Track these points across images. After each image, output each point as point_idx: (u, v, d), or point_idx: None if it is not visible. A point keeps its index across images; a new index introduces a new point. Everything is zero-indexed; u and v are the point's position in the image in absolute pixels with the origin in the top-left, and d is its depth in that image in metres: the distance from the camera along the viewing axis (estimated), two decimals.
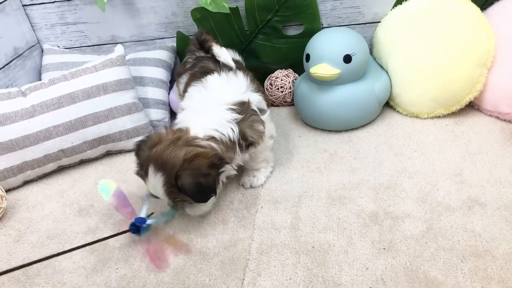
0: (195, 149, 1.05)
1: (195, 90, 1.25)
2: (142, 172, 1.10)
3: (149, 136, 1.13)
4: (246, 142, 1.16)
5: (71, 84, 1.47)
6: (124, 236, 1.16)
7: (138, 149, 1.13)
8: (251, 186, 1.30)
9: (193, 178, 1.03)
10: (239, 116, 1.14)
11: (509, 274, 0.92)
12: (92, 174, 1.49)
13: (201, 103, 1.19)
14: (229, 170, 1.14)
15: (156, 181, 1.05)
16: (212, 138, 1.09)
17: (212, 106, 1.16)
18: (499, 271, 0.93)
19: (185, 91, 1.32)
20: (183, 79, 1.38)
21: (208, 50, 1.36)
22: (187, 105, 1.23)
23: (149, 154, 1.07)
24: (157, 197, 1.11)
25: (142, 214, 1.15)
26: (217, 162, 1.07)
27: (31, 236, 1.25)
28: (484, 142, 1.33)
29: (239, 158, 1.17)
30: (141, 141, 1.14)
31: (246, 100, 1.18)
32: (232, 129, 1.12)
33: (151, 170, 1.05)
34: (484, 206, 1.10)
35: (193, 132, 1.09)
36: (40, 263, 1.12)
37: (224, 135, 1.11)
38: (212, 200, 1.13)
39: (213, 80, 1.24)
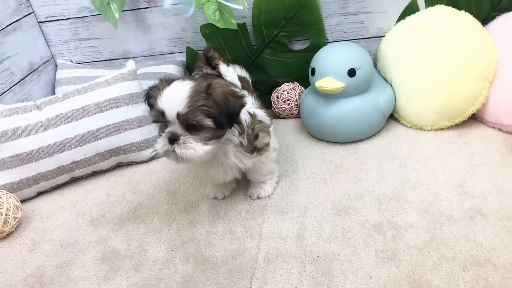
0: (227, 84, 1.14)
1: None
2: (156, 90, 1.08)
3: (161, 79, 1.13)
4: (254, 137, 1.20)
5: (84, 98, 1.52)
6: (135, 246, 1.20)
7: (151, 88, 1.12)
8: (258, 197, 1.33)
9: (224, 91, 1.07)
10: (250, 118, 1.19)
11: (510, 283, 0.94)
12: (104, 185, 1.53)
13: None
14: (233, 135, 1.15)
15: (181, 90, 1.04)
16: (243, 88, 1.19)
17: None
18: (500, 280, 0.95)
19: None
20: None
21: (214, 67, 1.40)
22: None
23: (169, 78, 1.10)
24: (161, 120, 1.09)
25: None
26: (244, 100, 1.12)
27: (45, 245, 1.29)
28: (487, 153, 1.35)
29: (245, 145, 1.18)
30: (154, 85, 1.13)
31: (252, 112, 1.22)
32: (245, 116, 1.17)
33: (175, 83, 1.06)
34: (486, 216, 1.12)
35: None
36: (54, 271, 1.16)
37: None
38: (208, 147, 1.09)
39: None
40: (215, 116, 1.05)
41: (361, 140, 1.53)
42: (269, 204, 1.30)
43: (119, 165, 1.62)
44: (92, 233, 1.31)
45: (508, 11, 1.49)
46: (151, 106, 1.11)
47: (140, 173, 1.56)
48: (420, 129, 1.53)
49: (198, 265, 1.13)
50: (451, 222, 1.12)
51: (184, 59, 1.84)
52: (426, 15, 1.54)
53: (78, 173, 1.54)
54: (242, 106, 1.11)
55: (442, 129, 1.51)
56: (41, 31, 1.84)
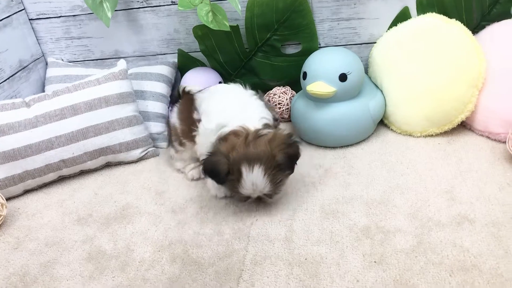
0: (267, 135, 1.17)
1: (212, 97, 1.34)
2: (234, 177, 1.15)
3: (215, 150, 1.18)
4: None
5: (74, 96, 1.50)
6: (121, 246, 1.19)
7: (214, 164, 1.17)
8: None
9: (284, 150, 1.16)
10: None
11: None
12: (92, 185, 1.52)
13: (231, 102, 1.31)
14: None
15: (256, 175, 1.13)
16: (266, 124, 1.22)
17: (244, 100, 1.30)
18: (486, 285, 0.95)
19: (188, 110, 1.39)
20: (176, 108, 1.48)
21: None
22: (213, 109, 1.29)
23: (233, 158, 1.13)
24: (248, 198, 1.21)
25: None
26: (289, 136, 1.21)
27: (30, 244, 1.27)
28: (475, 160, 1.36)
29: None
30: (211, 156, 1.18)
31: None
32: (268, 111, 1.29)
33: (245, 169, 1.13)
34: (473, 222, 1.13)
35: (251, 127, 1.18)
36: (38, 270, 1.15)
37: (269, 118, 1.25)
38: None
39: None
40: (284, 168, 1.18)
41: (351, 145, 1.53)
42: (258, 207, 1.30)
43: (108, 165, 1.61)
44: (78, 232, 1.29)
45: (498, 20, 1.51)
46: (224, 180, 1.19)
47: (128, 173, 1.55)
48: (410, 135, 1.54)
49: (185, 266, 1.12)
50: (439, 227, 1.13)
51: (176, 60, 1.84)
52: (418, 22, 1.56)
53: (65, 171, 1.52)
54: (299, 150, 1.21)
55: (432, 135, 1.52)
56: (32, 28, 1.83)
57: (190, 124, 1.34)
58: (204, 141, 1.26)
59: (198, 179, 1.45)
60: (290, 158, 1.17)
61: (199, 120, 1.29)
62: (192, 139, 1.34)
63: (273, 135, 1.17)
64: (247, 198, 1.22)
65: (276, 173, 1.16)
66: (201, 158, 1.28)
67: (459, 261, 1.02)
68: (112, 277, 1.12)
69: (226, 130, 1.19)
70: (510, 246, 1.04)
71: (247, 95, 1.33)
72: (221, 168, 1.15)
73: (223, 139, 1.18)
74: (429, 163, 1.38)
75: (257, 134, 1.16)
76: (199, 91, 1.42)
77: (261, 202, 1.27)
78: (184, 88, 1.50)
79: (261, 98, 1.35)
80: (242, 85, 1.38)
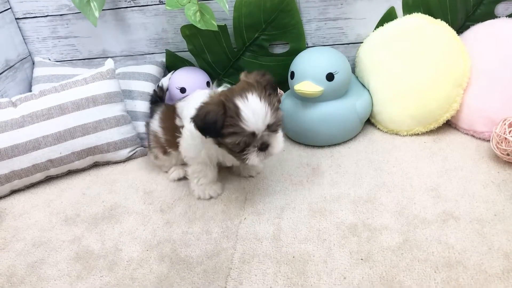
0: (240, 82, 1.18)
1: (192, 102, 1.28)
2: (232, 114, 1.08)
3: (203, 104, 1.14)
4: None
5: (61, 96, 1.50)
6: (109, 245, 1.19)
7: (208, 111, 1.10)
8: (257, 173, 1.44)
9: (262, 78, 1.16)
10: None
11: (479, 284, 0.96)
12: (79, 185, 1.51)
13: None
14: None
15: (253, 101, 1.08)
16: None
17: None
18: (470, 281, 0.97)
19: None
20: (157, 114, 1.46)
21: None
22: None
23: (225, 97, 1.10)
24: (248, 140, 1.12)
25: None
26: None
27: (17, 244, 1.26)
28: (460, 159, 1.38)
29: None
30: (202, 107, 1.13)
31: None
32: None
33: (241, 100, 1.08)
34: (457, 219, 1.14)
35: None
36: (25, 270, 1.14)
37: None
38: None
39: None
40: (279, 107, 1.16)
41: (338, 144, 1.54)
42: (246, 206, 1.30)
43: (96, 165, 1.60)
44: (65, 232, 1.29)
45: (482, 21, 1.54)
46: (227, 131, 1.10)
47: (116, 173, 1.55)
48: (396, 134, 1.56)
49: (173, 265, 1.12)
50: (424, 224, 1.14)
51: (164, 59, 1.84)
52: (403, 22, 1.57)
53: (53, 171, 1.51)
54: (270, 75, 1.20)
55: (418, 134, 1.54)
56: (19, 27, 1.81)
57: (174, 132, 1.32)
58: (190, 142, 1.26)
59: (180, 179, 1.46)
60: (270, 82, 1.16)
61: (182, 126, 1.28)
62: (177, 147, 1.33)
63: (245, 76, 1.18)
64: (250, 141, 1.11)
65: (269, 96, 1.12)
66: (186, 160, 1.32)
67: (444, 258, 1.03)
68: (100, 276, 1.12)
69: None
70: (494, 243, 1.05)
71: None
72: (216, 110, 1.09)
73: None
74: (415, 162, 1.40)
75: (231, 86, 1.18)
76: (181, 99, 1.39)
77: (265, 154, 1.14)
78: (159, 85, 1.58)
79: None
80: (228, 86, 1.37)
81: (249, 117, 1.08)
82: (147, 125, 1.50)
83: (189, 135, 1.25)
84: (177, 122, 1.31)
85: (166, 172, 1.50)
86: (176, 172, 1.46)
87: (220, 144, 1.17)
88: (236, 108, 1.08)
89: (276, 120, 1.12)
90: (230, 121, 1.09)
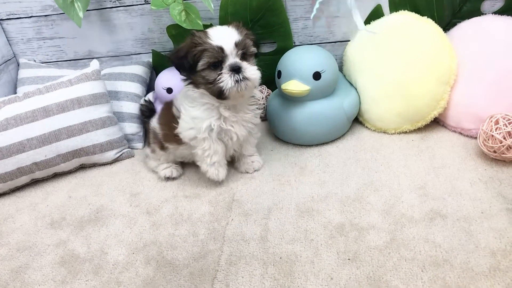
0: None
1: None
2: (200, 41, 1.19)
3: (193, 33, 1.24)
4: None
5: (45, 98, 1.48)
6: (95, 249, 1.17)
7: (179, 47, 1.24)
8: (254, 170, 1.45)
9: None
10: None
11: (466, 283, 0.96)
12: (65, 187, 1.49)
13: None
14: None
15: (226, 28, 1.22)
16: None
17: None
18: (457, 279, 0.97)
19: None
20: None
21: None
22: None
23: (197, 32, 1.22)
24: (217, 57, 1.19)
25: None
26: None
27: (1, 249, 1.25)
28: (447, 156, 1.38)
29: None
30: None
31: None
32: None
33: (214, 28, 1.22)
34: (445, 218, 1.14)
35: None
36: (9, 275, 1.13)
37: None
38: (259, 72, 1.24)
39: None
40: (255, 42, 1.25)
41: (326, 143, 1.54)
42: (234, 206, 1.29)
43: (82, 167, 1.59)
44: (51, 236, 1.27)
45: (468, 18, 1.53)
46: (197, 57, 1.19)
47: (103, 175, 1.53)
48: (384, 132, 1.56)
49: (159, 268, 1.11)
50: (412, 223, 1.14)
51: (151, 60, 1.82)
52: (390, 20, 1.57)
53: (38, 174, 1.50)
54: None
55: (405, 132, 1.53)
56: (2, 29, 1.79)
57: (171, 126, 1.34)
58: (188, 119, 1.29)
59: (171, 178, 1.46)
60: (258, 44, 1.28)
61: (179, 116, 1.32)
62: (175, 141, 1.36)
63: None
64: (220, 58, 1.19)
65: (247, 34, 1.22)
66: (192, 143, 1.32)
67: (431, 257, 1.03)
68: (86, 280, 1.10)
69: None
70: (481, 241, 1.05)
71: None
72: (187, 44, 1.21)
73: None
74: (403, 160, 1.39)
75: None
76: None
77: (240, 79, 1.19)
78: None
79: None
80: None
81: (215, 33, 1.19)
82: (142, 121, 1.65)
83: (185, 113, 1.29)
84: (174, 111, 1.35)
85: (155, 172, 1.49)
86: (168, 170, 1.46)
87: (195, 83, 1.24)
88: (204, 34, 1.19)
89: (245, 41, 1.20)
90: (199, 48, 1.18)
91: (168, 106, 1.41)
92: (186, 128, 1.30)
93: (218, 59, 1.18)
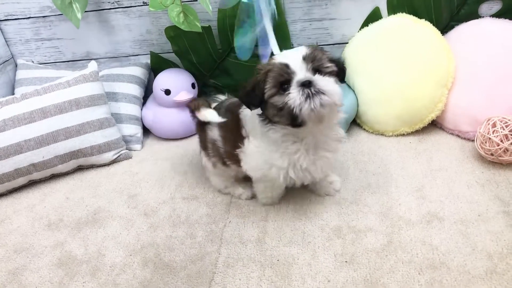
0: None
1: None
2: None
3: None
4: None
5: (43, 99, 1.48)
6: (92, 250, 1.17)
7: (248, 83, 1.05)
8: (335, 191, 1.29)
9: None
10: None
11: (462, 285, 0.96)
12: (63, 189, 1.49)
13: None
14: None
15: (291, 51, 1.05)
16: None
17: None
18: (453, 282, 0.97)
19: None
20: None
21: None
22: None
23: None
24: (284, 77, 1.00)
25: None
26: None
27: None
28: (445, 159, 1.38)
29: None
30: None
31: None
32: None
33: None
34: (442, 220, 1.14)
35: None
36: (6, 277, 1.12)
37: None
38: (340, 89, 1.03)
39: None
40: (335, 62, 1.04)
41: None
42: (231, 208, 1.29)
43: (79, 168, 1.58)
44: (48, 237, 1.27)
45: (466, 20, 1.54)
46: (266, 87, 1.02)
47: (100, 176, 1.53)
48: (382, 134, 1.56)
49: (157, 270, 1.11)
50: (409, 226, 1.14)
51: (149, 61, 1.82)
52: (388, 23, 1.57)
53: (36, 176, 1.49)
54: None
55: (403, 135, 1.54)
56: (0, 29, 1.78)
57: (236, 144, 1.17)
58: (257, 157, 1.13)
59: (252, 198, 1.33)
60: (342, 65, 1.07)
61: (247, 137, 1.15)
62: (236, 161, 1.19)
63: None
64: (287, 77, 0.99)
65: (322, 54, 1.02)
66: (250, 173, 1.18)
67: (428, 259, 1.03)
68: (83, 282, 1.10)
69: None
70: (477, 243, 1.06)
71: None
72: (256, 77, 1.03)
73: None
74: (401, 162, 1.40)
75: None
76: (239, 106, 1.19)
77: (314, 95, 0.97)
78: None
79: None
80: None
81: (281, 54, 1.05)
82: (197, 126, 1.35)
83: (256, 149, 1.12)
84: (243, 132, 1.15)
85: (224, 193, 1.37)
86: (248, 192, 1.33)
87: (268, 117, 1.06)
88: (270, 58, 1.04)
89: (315, 53, 1.01)
90: (263, 71, 1.03)
91: (234, 118, 1.18)
92: (253, 166, 1.15)
93: (284, 78, 0.99)
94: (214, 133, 1.24)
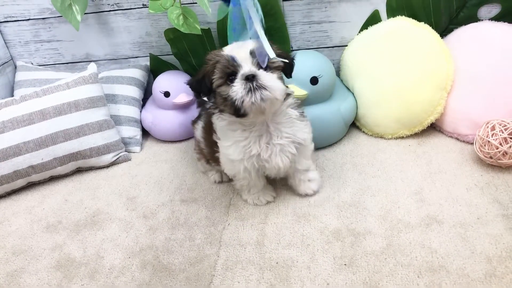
0: None
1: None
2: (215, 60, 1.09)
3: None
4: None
5: (42, 101, 1.48)
6: (91, 253, 1.17)
7: (197, 73, 1.14)
8: (313, 192, 1.30)
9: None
10: None
11: None
12: (62, 191, 1.49)
13: None
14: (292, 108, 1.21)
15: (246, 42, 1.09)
16: None
17: None
18: (453, 285, 0.97)
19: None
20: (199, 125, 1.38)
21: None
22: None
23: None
24: (230, 68, 1.07)
25: None
26: None
27: None
28: (444, 162, 1.38)
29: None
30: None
31: None
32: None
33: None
34: (441, 223, 1.14)
35: None
36: (4, 279, 1.12)
37: None
38: (283, 86, 1.10)
39: None
40: (282, 55, 1.09)
41: (323, 147, 1.54)
42: (230, 211, 1.29)
43: (78, 170, 1.58)
44: (47, 239, 1.27)
45: (465, 24, 1.54)
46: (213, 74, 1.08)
47: (99, 179, 1.53)
48: (381, 137, 1.56)
49: (156, 272, 1.11)
50: (408, 229, 1.14)
51: (148, 63, 1.82)
52: (388, 26, 1.58)
53: (35, 177, 1.49)
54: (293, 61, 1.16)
55: (402, 137, 1.54)
56: (0, 31, 1.78)
57: (214, 148, 1.25)
58: (225, 159, 1.21)
59: (220, 182, 1.43)
60: (291, 60, 1.13)
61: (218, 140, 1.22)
62: (216, 160, 1.28)
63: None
64: (233, 69, 1.06)
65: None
66: (226, 172, 1.27)
67: (427, 262, 1.03)
68: (81, 285, 1.10)
69: None
70: (476, 246, 1.05)
71: None
72: (205, 67, 1.11)
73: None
74: (400, 165, 1.40)
75: None
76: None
77: (255, 89, 1.03)
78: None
79: None
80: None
81: (230, 46, 1.10)
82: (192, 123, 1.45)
83: (221, 150, 1.20)
84: (214, 136, 1.23)
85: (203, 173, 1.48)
86: (218, 175, 1.42)
87: (218, 104, 1.12)
88: (219, 49, 1.11)
89: (262, 49, 1.03)
90: (212, 62, 1.09)
91: (210, 121, 1.25)
92: (224, 166, 1.25)
93: (230, 70, 1.06)
94: (198, 133, 1.36)
